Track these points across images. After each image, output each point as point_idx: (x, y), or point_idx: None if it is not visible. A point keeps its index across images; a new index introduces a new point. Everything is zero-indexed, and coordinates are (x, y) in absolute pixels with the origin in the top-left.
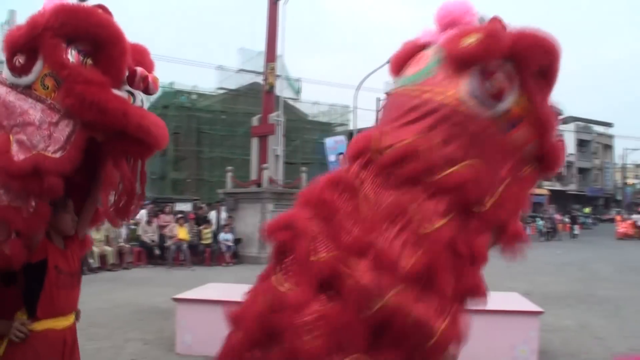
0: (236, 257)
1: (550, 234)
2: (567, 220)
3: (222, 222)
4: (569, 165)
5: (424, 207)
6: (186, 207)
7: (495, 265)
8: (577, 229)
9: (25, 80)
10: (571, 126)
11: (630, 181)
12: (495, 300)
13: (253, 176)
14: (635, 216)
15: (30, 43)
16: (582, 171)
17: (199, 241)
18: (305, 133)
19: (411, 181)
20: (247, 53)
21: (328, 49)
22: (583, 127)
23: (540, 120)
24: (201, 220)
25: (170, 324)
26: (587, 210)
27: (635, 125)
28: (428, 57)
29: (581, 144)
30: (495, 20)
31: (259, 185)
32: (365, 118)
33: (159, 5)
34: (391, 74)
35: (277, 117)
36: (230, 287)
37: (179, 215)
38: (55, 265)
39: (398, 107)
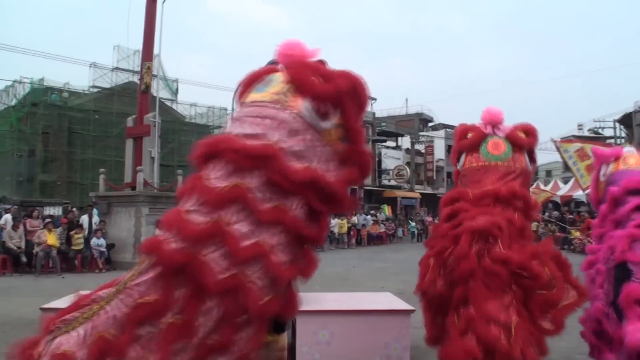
0: (109, 263)
1: (422, 235)
2: (436, 221)
3: (95, 227)
4: (439, 170)
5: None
6: (56, 211)
7: (369, 267)
8: None
9: (324, 125)
10: (441, 133)
11: None
12: (369, 300)
13: (127, 179)
14: None
15: (335, 99)
16: (451, 175)
17: (70, 247)
18: (182, 135)
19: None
20: (123, 51)
21: (207, 50)
22: (452, 133)
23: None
24: (72, 224)
25: None
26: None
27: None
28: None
29: (450, 149)
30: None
31: (133, 188)
32: None
33: None
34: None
35: (153, 118)
36: None
37: (48, 220)
38: None
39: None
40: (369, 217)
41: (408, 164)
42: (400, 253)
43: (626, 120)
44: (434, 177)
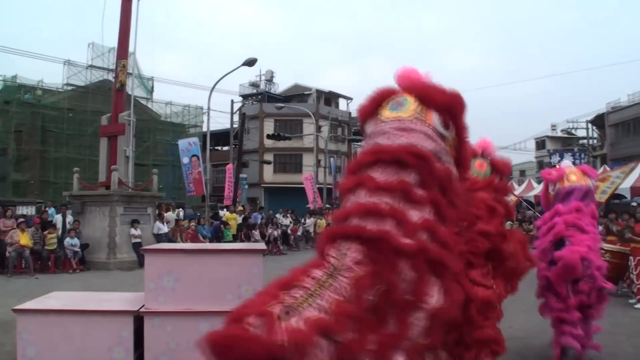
0: (83, 263)
1: None
2: None
3: (68, 227)
4: None
5: None
6: (29, 210)
7: None
8: None
9: (447, 134)
10: None
11: None
12: None
13: (102, 178)
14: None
15: (453, 112)
16: None
17: (43, 247)
18: (157, 134)
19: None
20: (98, 49)
21: (183, 48)
22: None
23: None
24: (45, 224)
25: (11, 337)
26: None
27: (472, 134)
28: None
29: None
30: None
31: (107, 187)
32: (219, 120)
33: None
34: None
35: (127, 116)
36: (77, 296)
37: (21, 220)
38: None
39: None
40: None
41: None
42: None
43: (598, 121)
44: None
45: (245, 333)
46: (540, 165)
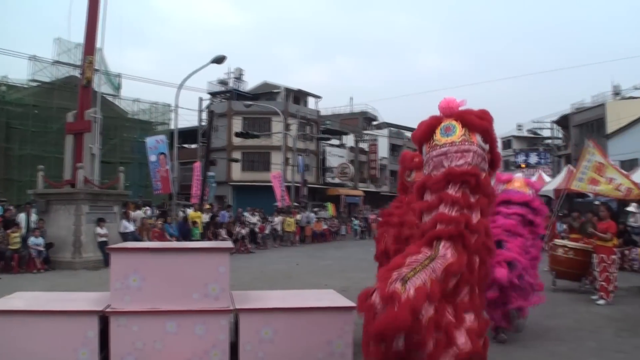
0: (48, 262)
1: (365, 232)
2: (380, 219)
3: (32, 226)
4: (382, 168)
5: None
6: None
7: (313, 265)
8: None
9: (486, 147)
10: (385, 131)
11: None
12: (312, 297)
13: (67, 176)
14: None
15: (489, 132)
16: (394, 173)
17: (6, 246)
18: (124, 131)
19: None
20: (64, 44)
21: (151, 45)
22: (395, 132)
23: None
24: (8, 223)
25: None
26: None
27: None
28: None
29: (393, 148)
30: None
31: (73, 185)
32: (187, 118)
33: None
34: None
35: (94, 113)
36: (41, 296)
37: None
38: None
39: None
40: (312, 214)
41: (352, 162)
42: (343, 251)
43: (563, 121)
44: (377, 176)
45: (398, 313)
46: (506, 164)
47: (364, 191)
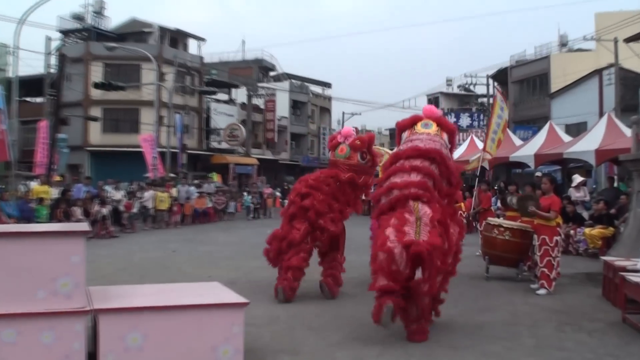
0: None
1: (259, 211)
2: (278, 194)
3: None
4: (282, 130)
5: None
6: None
7: (193, 252)
8: None
9: (448, 146)
10: (285, 85)
11: None
12: (193, 292)
13: None
14: None
15: (452, 134)
16: (296, 137)
17: None
18: None
19: None
20: None
21: None
22: (298, 86)
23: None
24: None
25: None
26: None
27: (352, 88)
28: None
29: (296, 105)
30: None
31: None
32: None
33: None
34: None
35: None
36: None
37: None
38: None
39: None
40: (193, 188)
41: (243, 122)
42: (232, 233)
43: (501, 76)
44: (275, 140)
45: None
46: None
47: (259, 159)
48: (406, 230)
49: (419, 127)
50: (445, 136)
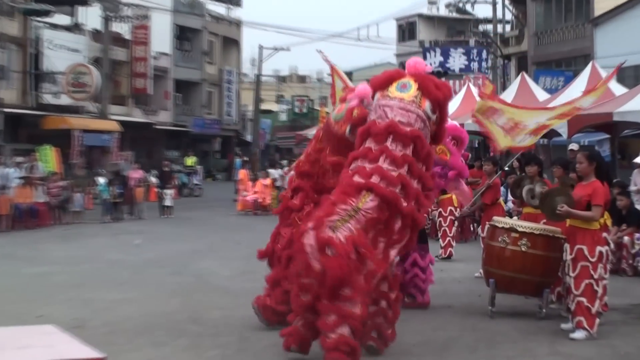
0: None
1: (122, 206)
2: (154, 179)
3: None
4: (160, 76)
5: None
6: None
7: (13, 276)
8: (169, 197)
9: (432, 116)
10: (166, 0)
11: (270, 107)
12: (8, 343)
13: None
14: (272, 171)
15: (443, 102)
16: (184, 87)
17: None
18: None
19: None
20: None
21: None
22: (188, 4)
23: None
24: None
25: None
26: (190, 161)
27: (275, 8)
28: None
29: (183, 35)
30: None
31: None
32: None
33: None
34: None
35: None
36: None
37: None
38: None
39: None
40: (12, 171)
41: (97, 62)
42: (77, 245)
43: None
44: (150, 91)
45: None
46: (403, 67)
47: (122, 123)
48: (326, 222)
49: (393, 88)
50: (427, 104)
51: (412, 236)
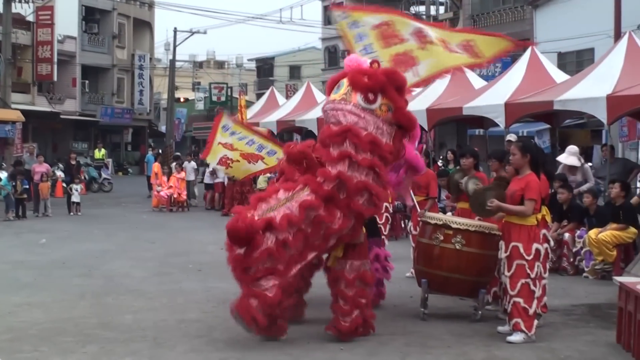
0: None
1: (25, 203)
2: (60, 173)
3: None
4: (66, 61)
5: None
6: None
7: None
8: (77, 192)
9: (373, 106)
10: None
11: (185, 95)
12: None
13: None
14: (187, 164)
15: (378, 89)
16: (93, 74)
17: None
18: None
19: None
20: None
21: None
22: None
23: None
24: None
25: None
26: (99, 153)
27: None
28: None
29: (92, 17)
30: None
31: None
32: None
33: None
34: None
35: None
36: None
37: None
38: None
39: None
40: None
41: None
42: None
43: None
44: (55, 77)
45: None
46: (330, 54)
47: (24, 112)
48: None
49: (333, 91)
50: (358, 97)
51: (357, 226)
